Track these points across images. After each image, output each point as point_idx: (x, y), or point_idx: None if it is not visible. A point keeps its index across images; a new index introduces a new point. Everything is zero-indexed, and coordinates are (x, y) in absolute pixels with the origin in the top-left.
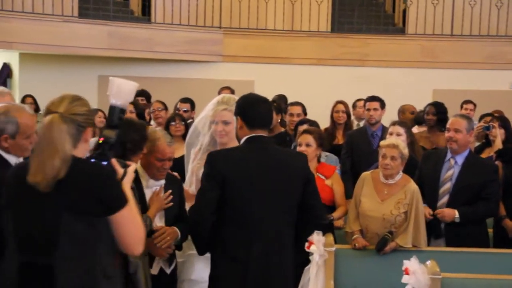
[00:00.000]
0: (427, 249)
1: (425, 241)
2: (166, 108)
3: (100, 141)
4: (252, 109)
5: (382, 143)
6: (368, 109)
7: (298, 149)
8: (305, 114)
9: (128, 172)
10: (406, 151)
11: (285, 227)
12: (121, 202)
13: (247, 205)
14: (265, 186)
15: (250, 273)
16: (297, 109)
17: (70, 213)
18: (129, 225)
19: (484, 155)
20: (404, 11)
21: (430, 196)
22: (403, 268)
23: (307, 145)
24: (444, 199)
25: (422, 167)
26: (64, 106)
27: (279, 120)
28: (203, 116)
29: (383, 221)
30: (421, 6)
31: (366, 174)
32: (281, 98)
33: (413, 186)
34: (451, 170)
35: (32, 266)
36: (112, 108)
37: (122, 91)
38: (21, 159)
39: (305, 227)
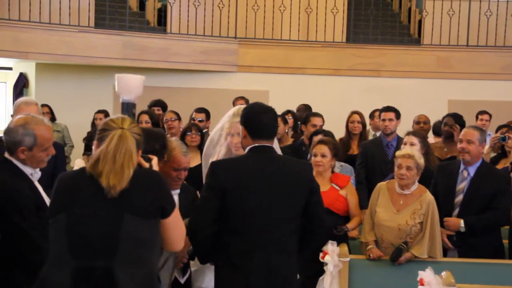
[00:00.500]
0: (442, 260)
1: (441, 252)
2: (179, 118)
3: None
4: (256, 119)
5: (397, 153)
6: (384, 120)
7: (313, 159)
8: None
9: (153, 165)
10: (421, 161)
11: (288, 236)
12: (174, 204)
13: (248, 215)
14: (267, 196)
15: (253, 282)
16: (319, 120)
17: (130, 216)
18: (177, 225)
19: (500, 166)
20: (420, 22)
21: (445, 209)
22: (418, 279)
23: (323, 155)
24: (456, 211)
25: (437, 179)
26: (127, 125)
27: (286, 130)
28: (219, 127)
29: (399, 231)
30: (437, 17)
31: (381, 185)
32: (306, 108)
33: (429, 196)
34: (464, 182)
35: (90, 270)
36: (125, 105)
37: (131, 86)
38: (37, 170)
39: (308, 237)
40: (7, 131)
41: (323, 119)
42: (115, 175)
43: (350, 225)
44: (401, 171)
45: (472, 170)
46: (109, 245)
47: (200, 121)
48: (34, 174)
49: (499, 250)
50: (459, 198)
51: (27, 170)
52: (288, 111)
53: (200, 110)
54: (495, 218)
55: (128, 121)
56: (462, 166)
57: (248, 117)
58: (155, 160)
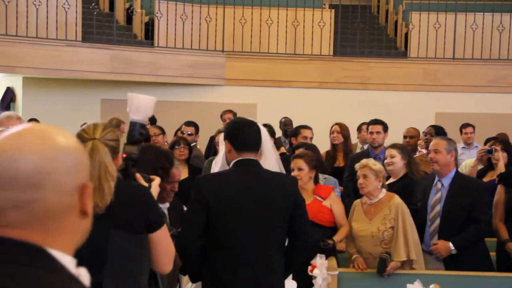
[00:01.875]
0: (430, 272)
1: (420, 253)
2: (163, 133)
3: (123, 157)
4: (239, 133)
5: (355, 166)
6: (371, 132)
7: (292, 174)
8: None
9: (153, 186)
10: (377, 167)
11: (273, 251)
12: (162, 220)
13: (233, 230)
14: (251, 210)
15: None
16: (309, 133)
17: (117, 231)
18: (164, 243)
19: (486, 178)
20: (406, 35)
21: (422, 221)
22: None
23: (299, 169)
24: (436, 223)
25: (414, 194)
26: (99, 133)
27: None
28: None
29: (372, 238)
30: (423, 30)
31: (356, 201)
32: (288, 122)
33: (396, 200)
34: (438, 193)
35: None
36: (133, 124)
37: (141, 106)
38: None
39: (294, 253)
40: None
41: (312, 131)
42: (95, 192)
43: (336, 237)
44: (359, 181)
45: (446, 181)
46: (98, 261)
47: (189, 134)
48: None
49: (486, 261)
50: (437, 209)
51: None
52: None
53: (189, 123)
54: (479, 232)
55: (100, 128)
56: (436, 178)
57: (231, 131)
58: (156, 181)
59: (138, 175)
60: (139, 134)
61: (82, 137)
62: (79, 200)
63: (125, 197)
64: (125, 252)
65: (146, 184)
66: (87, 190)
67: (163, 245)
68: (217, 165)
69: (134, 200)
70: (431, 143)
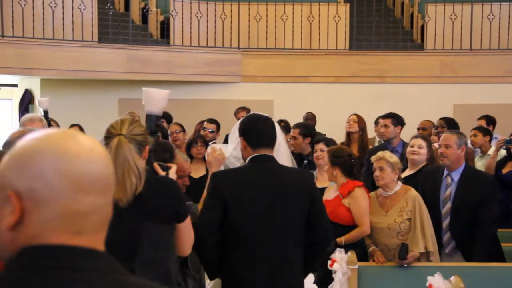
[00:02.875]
0: (451, 264)
1: (435, 244)
2: (183, 130)
3: None
4: (254, 129)
5: (371, 158)
6: (382, 126)
7: (314, 154)
8: None
9: (170, 174)
10: (393, 159)
11: (291, 247)
12: (188, 211)
13: (250, 226)
14: (268, 205)
15: None
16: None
17: (150, 221)
18: (188, 232)
19: (506, 169)
20: (422, 27)
21: (433, 216)
22: (427, 284)
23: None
24: (447, 221)
25: (422, 184)
26: (126, 128)
27: (288, 139)
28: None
29: (389, 230)
30: (439, 22)
31: (371, 194)
32: (314, 116)
33: (413, 193)
34: (449, 189)
35: None
36: (149, 116)
37: (155, 99)
38: None
39: (312, 247)
40: (6, 145)
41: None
42: (118, 188)
43: (345, 238)
44: (376, 173)
45: (455, 175)
46: (130, 249)
47: (211, 131)
48: None
49: (497, 253)
50: (448, 206)
51: None
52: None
53: (211, 121)
54: (486, 234)
55: (127, 123)
56: (445, 172)
57: (246, 128)
58: (173, 168)
59: (155, 164)
60: (156, 125)
61: (110, 132)
62: None
63: (155, 190)
64: (154, 241)
65: (163, 173)
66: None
67: (187, 233)
68: (235, 135)
69: (163, 193)
70: (441, 138)
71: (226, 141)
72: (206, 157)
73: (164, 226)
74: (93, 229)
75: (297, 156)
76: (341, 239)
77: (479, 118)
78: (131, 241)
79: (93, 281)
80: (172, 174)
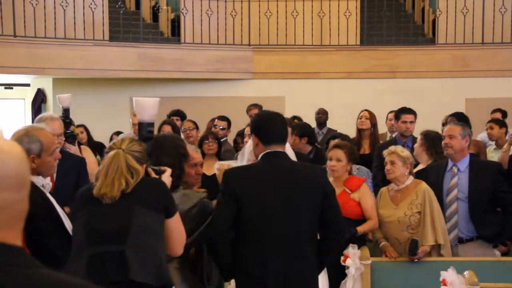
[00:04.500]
0: (464, 259)
1: (447, 239)
2: (197, 127)
3: None
4: (265, 125)
5: (383, 152)
6: (404, 122)
7: (328, 163)
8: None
9: (163, 177)
10: (404, 154)
11: (304, 243)
12: (176, 208)
13: (263, 222)
14: (280, 202)
15: None
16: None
17: (141, 208)
18: (178, 229)
19: None
20: (434, 21)
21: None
22: (441, 279)
23: (338, 160)
24: (453, 207)
25: (427, 179)
26: (125, 145)
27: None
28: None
29: (399, 223)
30: (451, 16)
31: (382, 189)
32: (321, 111)
33: (424, 186)
34: (455, 178)
35: (103, 255)
36: (140, 124)
37: (145, 107)
38: (48, 181)
39: (325, 242)
40: None
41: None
42: (106, 187)
43: (360, 228)
44: (387, 167)
45: (462, 165)
46: (121, 233)
47: (222, 128)
48: (46, 186)
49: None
50: (453, 194)
51: (38, 181)
52: (294, 117)
53: (222, 118)
54: None
55: (127, 141)
56: (450, 163)
57: (257, 125)
58: (167, 172)
59: (149, 169)
60: (147, 132)
61: (110, 148)
62: None
63: (147, 185)
64: (146, 227)
65: (156, 176)
66: None
67: (177, 231)
68: (244, 157)
69: (154, 187)
70: (446, 128)
71: (236, 138)
72: (216, 173)
73: (153, 214)
74: (6, 224)
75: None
76: (358, 229)
77: (494, 111)
78: (123, 225)
79: (9, 276)
80: (166, 177)
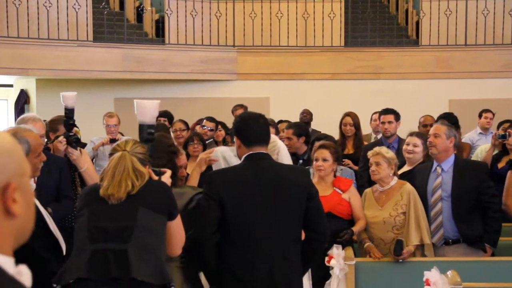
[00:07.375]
0: (448, 259)
1: (429, 236)
2: (188, 128)
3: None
4: (247, 127)
5: (367, 153)
6: (383, 122)
7: (315, 164)
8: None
9: (163, 178)
10: (389, 155)
11: (289, 244)
12: (177, 210)
13: (247, 225)
14: (264, 203)
15: None
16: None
17: (144, 209)
18: (178, 231)
19: (501, 164)
20: (417, 23)
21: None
22: (424, 279)
23: (324, 159)
24: (437, 208)
25: (412, 181)
26: (129, 147)
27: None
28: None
29: (384, 224)
30: (434, 17)
31: (367, 190)
32: (306, 111)
33: (408, 187)
34: (439, 178)
35: (105, 252)
36: (141, 126)
37: (145, 109)
38: (32, 183)
39: (309, 244)
40: None
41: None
42: (113, 187)
43: (355, 229)
44: (372, 168)
45: (446, 165)
46: (125, 232)
47: (210, 130)
48: None
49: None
50: (437, 194)
51: None
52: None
53: (210, 119)
54: (498, 219)
55: (130, 143)
56: (435, 164)
57: (239, 126)
58: (167, 173)
59: (149, 170)
60: (148, 134)
61: (115, 149)
62: (1, 200)
63: (151, 187)
64: (149, 228)
65: (156, 178)
66: (10, 190)
67: (178, 233)
68: (226, 160)
69: (158, 190)
70: (432, 128)
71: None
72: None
73: (156, 215)
74: None
75: (292, 155)
76: (354, 230)
77: (484, 111)
78: (127, 224)
79: None
80: (166, 179)
